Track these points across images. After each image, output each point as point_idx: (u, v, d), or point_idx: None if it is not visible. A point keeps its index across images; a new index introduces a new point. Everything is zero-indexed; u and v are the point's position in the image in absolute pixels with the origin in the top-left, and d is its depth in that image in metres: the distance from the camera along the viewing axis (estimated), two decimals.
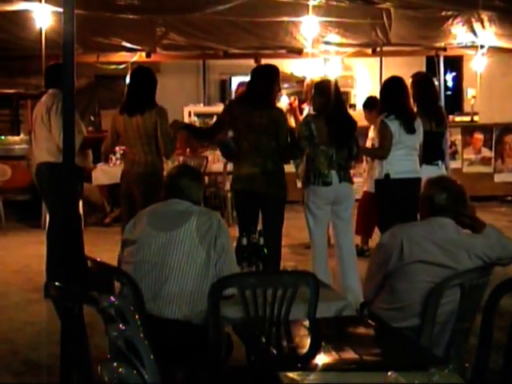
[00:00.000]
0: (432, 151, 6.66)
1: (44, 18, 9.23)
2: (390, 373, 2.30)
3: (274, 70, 5.89)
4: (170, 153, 6.18)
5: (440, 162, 6.76)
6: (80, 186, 6.83)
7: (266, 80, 5.75)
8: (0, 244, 9.19)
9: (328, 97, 5.82)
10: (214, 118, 10.28)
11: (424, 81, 6.94)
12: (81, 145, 6.24)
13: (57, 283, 2.88)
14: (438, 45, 12.35)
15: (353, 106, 12.67)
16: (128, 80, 8.58)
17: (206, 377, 3.56)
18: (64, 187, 4.10)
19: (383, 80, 6.57)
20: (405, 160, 6.21)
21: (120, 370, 2.07)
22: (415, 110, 6.51)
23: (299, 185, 10.18)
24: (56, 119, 6.19)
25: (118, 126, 6.16)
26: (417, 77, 6.92)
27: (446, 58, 13.31)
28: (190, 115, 12.21)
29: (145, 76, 6.22)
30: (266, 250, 4.12)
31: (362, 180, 8.40)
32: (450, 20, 10.74)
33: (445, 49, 12.60)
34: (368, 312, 3.77)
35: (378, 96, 6.97)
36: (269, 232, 5.62)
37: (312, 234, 6.00)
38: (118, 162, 9.91)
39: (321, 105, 5.86)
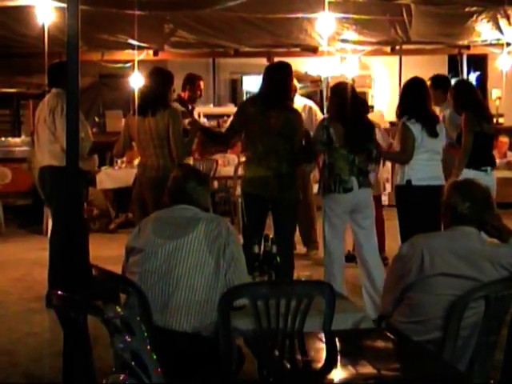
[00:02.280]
0: (481, 155, 6.61)
1: (47, 14, 9.25)
2: None
3: (287, 67, 5.90)
4: (183, 156, 6.17)
5: (489, 169, 6.65)
6: (86, 190, 6.85)
7: (281, 79, 5.76)
8: (0, 250, 9.22)
9: (345, 99, 5.84)
10: (226, 120, 10.34)
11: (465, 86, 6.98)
12: (90, 149, 6.26)
13: (60, 292, 2.89)
14: (461, 43, 12.31)
15: (371, 108, 12.66)
16: (131, 80, 8.63)
17: None
18: (68, 192, 4.10)
19: (403, 80, 6.55)
20: (428, 165, 6.21)
21: (126, 383, 2.08)
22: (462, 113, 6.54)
23: (314, 190, 10.19)
24: (61, 120, 6.19)
25: (131, 129, 6.18)
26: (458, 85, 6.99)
27: (470, 57, 13.28)
28: (199, 116, 12.23)
29: (158, 76, 6.25)
30: (278, 259, 4.12)
31: None
32: (474, 16, 10.68)
33: (468, 47, 12.56)
34: (386, 325, 3.75)
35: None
36: (281, 238, 5.64)
37: (328, 243, 6.00)
38: (124, 165, 9.94)
39: (338, 108, 5.88)
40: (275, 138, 5.64)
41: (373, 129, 6.03)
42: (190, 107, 8.51)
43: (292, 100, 5.96)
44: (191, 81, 8.61)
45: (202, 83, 8.86)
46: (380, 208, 7.63)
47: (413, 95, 6.30)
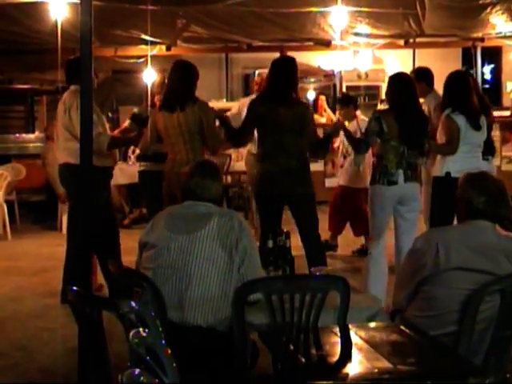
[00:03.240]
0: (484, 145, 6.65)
1: (60, 10, 9.29)
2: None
3: (291, 61, 5.89)
4: (217, 148, 6.21)
5: (490, 157, 6.80)
6: (108, 187, 6.82)
7: (287, 73, 5.74)
8: (14, 246, 9.29)
9: (402, 91, 5.89)
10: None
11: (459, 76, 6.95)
12: (109, 144, 6.25)
13: (75, 288, 2.90)
14: (475, 35, 12.26)
15: (383, 102, 12.64)
16: (144, 75, 8.63)
17: None
18: (81, 189, 4.12)
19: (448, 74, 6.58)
20: (468, 157, 6.25)
21: (142, 378, 2.08)
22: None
23: (327, 184, 10.21)
24: (77, 118, 6.20)
25: (158, 124, 6.12)
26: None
27: (484, 50, 13.23)
28: None
29: (185, 70, 6.16)
30: (292, 253, 4.12)
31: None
32: (489, 8, 10.63)
33: (482, 39, 12.51)
34: (400, 319, 3.74)
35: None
36: (305, 234, 5.68)
37: (372, 237, 6.08)
38: None
39: (394, 100, 5.92)
40: (285, 134, 5.62)
41: (427, 122, 6.07)
42: None
43: (297, 93, 5.90)
44: None
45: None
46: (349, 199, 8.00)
47: (456, 88, 6.36)
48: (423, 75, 7.41)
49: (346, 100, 8.28)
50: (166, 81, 6.36)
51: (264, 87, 6.10)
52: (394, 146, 5.80)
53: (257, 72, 8.20)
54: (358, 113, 8.37)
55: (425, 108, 6.97)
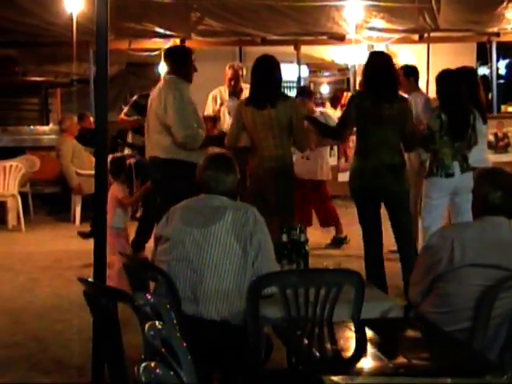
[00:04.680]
0: None
1: (75, 3, 9.31)
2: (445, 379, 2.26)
3: (390, 58, 6.01)
4: (305, 146, 6.22)
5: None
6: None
7: (389, 69, 5.77)
8: (29, 238, 9.33)
9: (454, 88, 6.10)
10: None
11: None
12: (204, 142, 6.19)
13: (90, 279, 2.91)
14: (490, 30, 12.19)
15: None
16: (159, 68, 8.63)
17: (244, 379, 3.56)
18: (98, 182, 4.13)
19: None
20: (475, 149, 6.35)
21: (158, 370, 2.08)
22: None
23: (340, 179, 10.19)
24: (174, 111, 6.01)
25: (245, 119, 5.95)
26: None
27: (499, 44, 13.13)
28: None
29: (274, 65, 6.01)
30: (307, 248, 4.11)
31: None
32: (504, 3, 10.59)
33: (498, 34, 12.43)
34: (414, 315, 3.73)
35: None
36: (400, 233, 5.83)
37: (427, 225, 6.21)
38: None
39: (445, 96, 6.12)
40: (388, 129, 5.67)
41: (473, 115, 6.19)
42: None
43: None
44: None
45: None
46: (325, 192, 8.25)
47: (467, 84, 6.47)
48: (413, 72, 7.70)
49: (303, 93, 8.48)
50: (250, 76, 6.18)
51: (361, 83, 6.10)
52: (448, 140, 6.05)
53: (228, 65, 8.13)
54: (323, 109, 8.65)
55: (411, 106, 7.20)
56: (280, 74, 6.01)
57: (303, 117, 6.14)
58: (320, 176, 8.15)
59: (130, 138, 9.69)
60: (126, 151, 9.66)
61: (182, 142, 6.05)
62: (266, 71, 5.97)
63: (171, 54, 6.48)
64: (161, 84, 6.34)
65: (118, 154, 9.01)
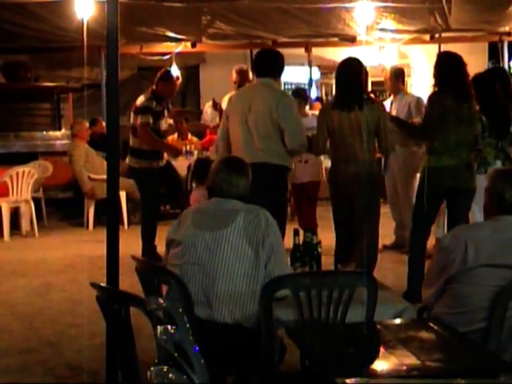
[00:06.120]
0: None
1: (86, 8, 9.34)
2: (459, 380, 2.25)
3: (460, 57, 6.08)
4: (391, 149, 6.17)
5: None
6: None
7: (459, 69, 5.90)
8: (42, 243, 9.36)
9: (492, 90, 6.21)
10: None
11: None
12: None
13: (103, 284, 2.91)
14: (501, 29, 12.14)
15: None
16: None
17: (257, 382, 3.56)
18: (110, 184, 4.13)
19: None
20: None
21: (170, 375, 2.08)
22: None
23: None
24: (287, 117, 5.94)
25: (331, 123, 5.85)
26: None
27: (511, 44, 13.07)
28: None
29: (356, 68, 5.93)
30: (319, 250, 4.11)
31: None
32: None
33: (509, 33, 12.38)
34: (428, 316, 3.71)
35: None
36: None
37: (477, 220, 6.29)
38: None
39: (485, 98, 6.19)
40: (467, 128, 5.85)
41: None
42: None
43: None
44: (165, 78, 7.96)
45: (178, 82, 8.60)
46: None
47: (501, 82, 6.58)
48: (402, 73, 8.02)
49: (298, 94, 8.29)
50: (334, 79, 6.15)
51: (435, 83, 6.06)
52: (490, 141, 6.22)
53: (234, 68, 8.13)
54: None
55: (396, 104, 7.71)
56: (364, 74, 5.95)
57: (388, 118, 6.15)
58: (321, 176, 8.21)
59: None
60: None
61: (295, 149, 6.05)
62: (353, 73, 5.87)
63: (264, 57, 6.30)
64: (259, 87, 6.18)
65: (203, 156, 8.92)
